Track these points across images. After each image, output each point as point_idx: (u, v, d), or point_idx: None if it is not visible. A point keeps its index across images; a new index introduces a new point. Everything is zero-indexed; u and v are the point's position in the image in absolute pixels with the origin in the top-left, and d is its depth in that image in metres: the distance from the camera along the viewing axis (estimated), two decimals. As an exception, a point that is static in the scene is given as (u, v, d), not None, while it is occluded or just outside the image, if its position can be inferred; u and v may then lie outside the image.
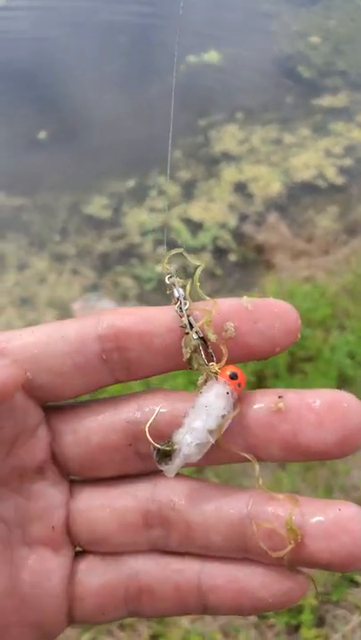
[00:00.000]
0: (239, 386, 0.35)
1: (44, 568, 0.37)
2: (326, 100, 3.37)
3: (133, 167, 2.98)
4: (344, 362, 1.86)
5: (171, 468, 0.35)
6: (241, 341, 0.35)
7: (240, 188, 2.91)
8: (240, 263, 2.61)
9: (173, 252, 0.39)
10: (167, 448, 0.35)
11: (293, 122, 3.25)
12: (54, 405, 0.38)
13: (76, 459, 0.37)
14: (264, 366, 1.79)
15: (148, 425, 0.36)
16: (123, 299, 2.47)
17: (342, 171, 2.98)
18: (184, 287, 0.37)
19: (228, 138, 3.14)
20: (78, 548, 0.39)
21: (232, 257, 2.62)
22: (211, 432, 0.34)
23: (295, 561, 0.34)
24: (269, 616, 1.25)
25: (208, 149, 3.08)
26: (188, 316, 0.35)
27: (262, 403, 0.35)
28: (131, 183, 2.92)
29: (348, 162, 3.02)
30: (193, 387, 0.37)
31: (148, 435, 0.35)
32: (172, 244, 2.67)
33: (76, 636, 1.23)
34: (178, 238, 2.64)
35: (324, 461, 1.40)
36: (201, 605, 0.36)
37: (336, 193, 2.90)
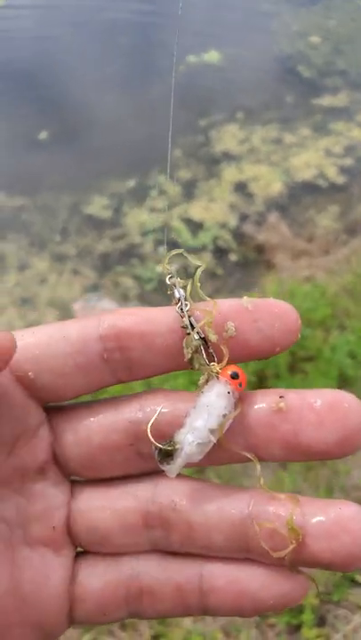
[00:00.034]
0: (240, 385, 0.35)
1: (45, 568, 0.37)
2: (326, 100, 3.37)
3: (134, 167, 2.98)
4: (345, 362, 1.86)
5: (172, 467, 0.35)
6: (242, 341, 0.35)
7: (240, 187, 2.90)
8: (240, 263, 2.61)
9: (174, 252, 0.39)
10: (169, 448, 0.35)
11: (294, 121, 3.25)
12: (56, 406, 0.38)
13: (77, 459, 0.37)
14: (265, 366, 1.79)
15: (149, 425, 0.36)
16: (123, 299, 2.47)
17: (343, 170, 2.98)
18: (185, 288, 0.37)
19: (228, 137, 3.14)
20: (79, 549, 0.39)
21: (232, 257, 2.62)
22: (212, 431, 0.35)
23: (296, 561, 0.34)
24: (270, 615, 1.25)
25: (208, 149, 3.08)
26: (189, 316, 0.36)
27: (263, 403, 0.35)
28: (131, 183, 2.92)
29: (348, 161, 3.02)
30: (194, 386, 0.37)
31: (149, 434, 0.35)
32: (172, 244, 2.67)
33: (78, 637, 1.23)
34: (178, 238, 2.64)
35: (325, 461, 1.40)
36: (202, 606, 0.36)
37: (337, 192, 2.90)
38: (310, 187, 2.92)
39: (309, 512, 0.34)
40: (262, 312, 0.34)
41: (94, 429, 0.37)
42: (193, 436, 0.35)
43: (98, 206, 2.83)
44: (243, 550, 0.35)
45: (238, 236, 2.70)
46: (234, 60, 3.62)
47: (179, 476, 0.36)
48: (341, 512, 0.33)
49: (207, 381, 0.36)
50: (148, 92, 3.38)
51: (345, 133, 3.17)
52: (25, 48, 3.75)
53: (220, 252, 2.63)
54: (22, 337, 0.36)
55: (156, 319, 0.36)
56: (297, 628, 1.26)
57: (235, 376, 0.35)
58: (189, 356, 0.36)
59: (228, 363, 0.36)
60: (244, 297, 0.35)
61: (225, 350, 0.35)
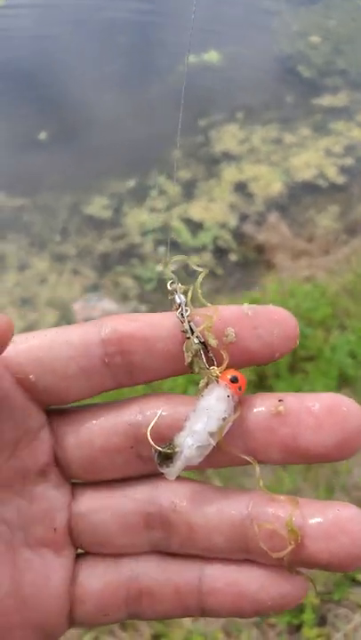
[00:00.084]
0: (240, 389, 0.36)
1: (45, 570, 0.37)
2: (326, 100, 3.37)
3: (134, 167, 2.98)
4: (345, 361, 1.86)
5: (172, 470, 0.36)
6: (241, 347, 0.35)
7: (240, 187, 2.91)
8: (241, 263, 2.61)
9: (176, 258, 0.40)
10: (168, 451, 0.35)
11: (294, 121, 3.25)
12: (56, 409, 0.39)
13: (78, 461, 0.38)
14: (265, 366, 1.79)
15: (149, 428, 0.36)
16: (123, 299, 2.47)
17: (343, 170, 2.98)
18: (186, 292, 0.37)
19: (228, 138, 3.14)
20: (80, 550, 0.39)
21: (233, 257, 2.62)
22: (212, 434, 0.35)
23: (295, 561, 0.34)
24: (271, 615, 1.25)
25: (208, 149, 3.08)
26: (189, 321, 0.36)
27: (262, 406, 0.35)
28: (131, 183, 2.92)
29: (348, 161, 3.02)
30: (193, 386, 0.37)
31: (149, 437, 0.36)
32: (172, 245, 2.67)
33: (78, 636, 1.23)
34: (178, 238, 2.64)
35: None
36: (201, 608, 0.36)
37: (337, 192, 2.90)
38: (310, 187, 2.92)
39: (308, 513, 0.34)
40: (262, 319, 0.35)
41: (95, 432, 0.37)
42: (193, 440, 0.35)
43: (98, 206, 2.83)
44: (242, 551, 0.35)
45: (238, 235, 2.70)
46: (234, 60, 3.62)
47: (178, 478, 0.37)
48: (340, 513, 0.33)
49: (207, 385, 0.36)
50: (147, 92, 3.38)
51: (345, 133, 3.17)
52: (24, 47, 3.76)
53: (220, 252, 2.63)
54: (24, 340, 0.36)
55: (157, 324, 0.36)
56: (298, 628, 1.26)
57: (234, 380, 0.36)
58: (190, 359, 0.36)
59: (228, 367, 0.36)
60: (245, 304, 0.36)
61: (225, 354, 0.36)
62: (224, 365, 0.36)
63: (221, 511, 0.36)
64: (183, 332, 0.36)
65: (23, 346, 0.36)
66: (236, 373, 0.36)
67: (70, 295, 2.49)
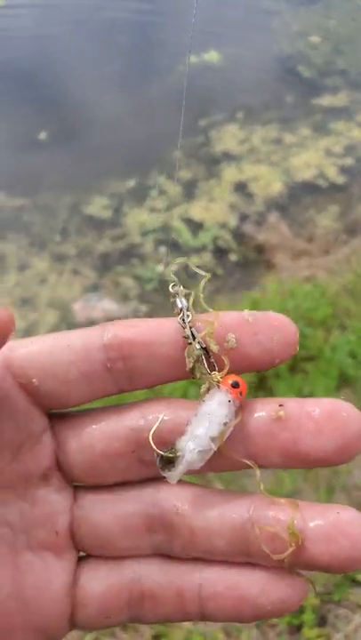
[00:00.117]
0: (241, 394, 0.36)
1: (47, 573, 0.37)
2: (326, 100, 3.37)
3: (134, 167, 2.98)
4: (345, 361, 1.86)
5: (173, 474, 0.36)
6: (242, 353, 0.36)
7: (241, 187, 2.90)
8: (241, 263, 2.61)
9: (179, 261, 0.40)
10: (170, 455, 0.36)
11: (294, 121, 3.25)
12: (58, 413, 0.39)
13: (80, 465, 0.38)
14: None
15: (151, 432, 0.36)
16: (123, 299, 2.47)
17: (343, 170, 2.98)
18: (188, 296, 0.38)
19: (228, 138, 3.14)
20: (82, 554, 0.39)
21: (233, 257, 2.62)
22: (213, 439, 0.35)
23: (296, 563, 0.34)
24: (270, 619, 1.25)
25: (209, 149, 3.08)
26: (190, 327, 0.36)
27: (263, 411, 0.36)
28: (131, 183, 2.92)
29: (348, 161, 3.02)
30: (194, 388, 0.38)
31: (151, 442, 0.36)
32: (173, 245, 2.67)
33: (79, 637, 1.23)
34: (179, 238, 2.64)
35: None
36: (201, 612, 0.37)
37: (337, 192, 2.90)
38: (310, 187, 2.92)
39: (308, 516, 0.34)
40: (262, 325, 0.35)
41: (97, 436, 0.37)
42: (194, 444, 0.35)
43: (98, 206, 2.83)
44: (243, 554, 0.36)
45: (238, 235, 2.70)
46: (234, 60, 3.62)
47: (180, 481, 0.37)
48: (340, 516, 0.34)
49: (208, 390, 0.37)
50: (147, 92, 3.38)
51: (345, 133, 3.17)
52: (24, 47, 3.76)
53: (220, 252, 2.63)
54: (27, 344, 0.37)
55: (159, 329, 0.37)
56: (298, 628, 1.26)
57: (235, 385, 0.36)
58: (191, 365, 0.36)
59: (229, 373, 0.37)
60: (245, 310, 0.36)
61: (226, 360, 0.36)
62: (225, 371, 0.36)
63: (223, 514, 0.36)
64: (185, 337, 0.36)
65: (26, 350, 0.36)
66: (237, 378, 0.36)
67: (70, 295, 2.49)
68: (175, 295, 0.38)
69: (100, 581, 0.38)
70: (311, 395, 1.78)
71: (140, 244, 2.67)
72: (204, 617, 0.37)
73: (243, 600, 0.35)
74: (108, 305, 2.43)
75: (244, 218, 2.77)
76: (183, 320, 0.37)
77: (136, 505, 0.37)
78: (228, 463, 0.37)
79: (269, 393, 1.75)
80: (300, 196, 2.88)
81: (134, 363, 0.36)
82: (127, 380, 0.37)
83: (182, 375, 0.37)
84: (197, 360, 0.36)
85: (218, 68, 3.57)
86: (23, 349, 0.36)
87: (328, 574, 1.25)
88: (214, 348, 0.36)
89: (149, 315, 2.40)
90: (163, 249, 2.62)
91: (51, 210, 2.82)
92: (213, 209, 2.79)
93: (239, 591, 0.35)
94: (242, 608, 0.35)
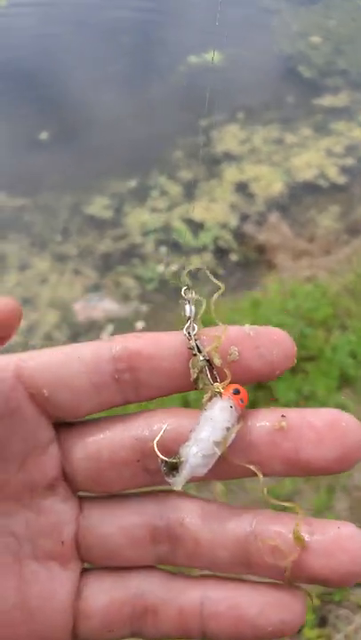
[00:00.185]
0: (242, 401, 0.37)
1: (52, 583, 0.38)
2: (327, 100, 3.37)
3: (135, 167, 2.98)
4: (346, 361, 1.86)
5: (178, 480, 0.37)
6: (244, 365, 0.37)
7: (241, 187, 2.90)
8: (241, 263, 2.61)
9: (194, 268, 0.42)
10: (174, 461, 0.36)
11: (294, 122, 3.24)
12: (64, 422, 0.39)
13: (85, 475, 0.38)
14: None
15: (155, 440, 0.37)
16: (124, 299, 2.47)
17: (344, 170, 2.98)
18: (198, 302, 0.39)
19: (229, 138, 3.14)
20: (86, 565, 0.40)
21: (233, 257, 2.62)
22: (216, 444, 0.36)
23: (296, 577, 0.35)
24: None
25: (209, 149, 3.08)
26: (195, 339, 0.38)
27: (265, 421, 0.37)
28: (132, 183, 2.92)
29: (349, 161, 3.02)
30: (194, 392, 0.39)
31: (156, 449, 0.37)
32: (173, 245, 2.67)
33: None
34: (179, 238, 2.64)
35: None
36: (202, 630, 0.37)
37: (338, 192, 2.90)
38: (311, 187, 2.92)
39: (309, 531, 0.35)
40: (263, 339, 0.37)
41: (102, 446, 0.38)
42: (197, 448, 0.36)
43: (99, 206, 2.83)
44: (245, 566, 0.37)
45: (239, 236, 2.70)
46: (234, 60, 3.61)
47: (185, 494, 0.38)
48: (340, 532, 0.35)
49: (210, 399, 0.38)
50: (148, 92, 3.38)
51: (346, 133, 3.17)
52: (25, 47, 3.76)
53: (220, 253, 2.63)
54: (38, 355, 0.37)
55: (165, 343, 0.38)
56: (298, 629, 1.26)
57: (236, 392, 0.37)
58: (195, 375, 0.38)
59: (230, 384, 0.38)
60: (246, 325, 0.38)
61: (228, 372, 0.37)
62: (226, 381, 0.37)
63: (227, 527, 0.37)
64: (190, 348, 0.38)
65: (37, 361, 0.37)
66: (237, 386, 0.37)
67: (71, 295, 2.49)
68: (187, 302, 0.39)
69: (103, 594, 0.38)
70: (312, 395, 1.78)
71: (141, 244, 2.67)
72: (205, 635, 0.37)
73: (243, 620, 0.36)
74: (108, 305, 2.44)
75: (244, 218, 2.77)
76: (189, 333, 0.38)
77: (142, 516, 0.38)
78: (231, 470, 0.37)
79: (269, 393, 1.76)
80: (301, 196, 2.88)
81: (141, 374, 0.37)
82: (134, 391, 0.38)
83: (186, 387, 0.38)
84: (201, 371, 0.38)
85: (219, 69, 3.57)
86: (34, 360, 0.37)
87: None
88: (217, 361, 0.37)
89: (150, 314, 2.40)
90: (163, 249, 2.62)
91: (52, 210, 2.83)
92: (214, 209, 2.79)
93: (239, 611, 0.36)
94: (242, 628, 0.36)
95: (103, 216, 2.79)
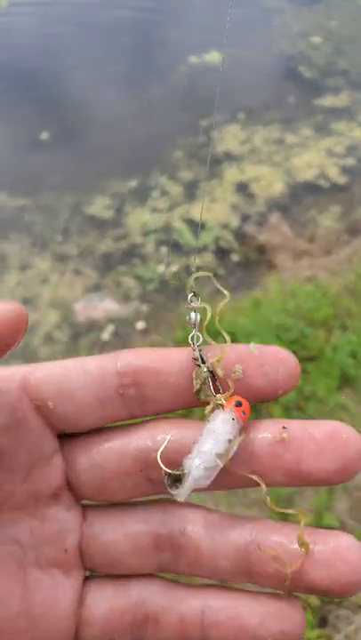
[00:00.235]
0: (244, 414, 0.37)
1: (55, 591, 0.38)
2: (328, 100, 3.37)
3: (135, 167, 2.98)
4: (346, 362, 1.86)
5: (181, 491, 0.37)
6: (248, 383, 0.37)
7: (242, 188, 2.90)
8: (242, 263, 2.61)
9: (201, 274, 0.42)
10: (177, 472, 0.37)
11: (295, 122, 3.24)
12: (69, 432, 0.40)
13: (89, 484, 0.39)
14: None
15: (159, 452, 0.37)
16: (125, 299, 2.47)
17: (344, 170, 2.98)
18: (203, 310, 0.40)
19: (229, 138, 3.14)
20: (88, 573, 0.40)
21: (234, 257, 2.62)
22: (219, 456, 0.37)
23: (296, 587, 0.36)
24: None
25: (210, 149, 3.08)
26: (200, 350, 0.38)
27: (267, 432, 0.37)
28: (133, 183, 2.92)
29: (350, 161, 3.02)
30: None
31: (159, 461, 0.37)
32: (174, 245, 2.67)
33: None
34: (180, 239, 2.64)
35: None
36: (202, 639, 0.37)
37: (338, 193, 2.90)
38: (312, 187, 2.92)
39: (309, 541, 0.36)
40: (268, 358, 0.37)
41: (106, 456, 0.38)
42: (200, 460, 0.37)
43: (99, 206, 2.83)
44: (246, 575, 0.37)
45: (240, 236, 2.70)
46: (235, 60, 3.61)
47: (188, 503, 0.38)
48: (339, 542, 0.35)
49: (213, 411, 0.38)
50: (149, 92, 3.38)
51: (346, 133, 3.17)
52: (25, 47, 3.76)
53: (221, 253, 2.63)
54: (44, 367, 0.38)
55: (170, 359, 0.38)
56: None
57: (238, 404, 0.37)
58: (198, 386, 0.38)
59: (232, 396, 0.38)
60: (251, 343, 0.38)
61: (231, 384, 0.37)
62: (229, 393, 0.38)
63: (228, 536, 0.37)
64: (194, 359, 0.38)
65: (43, 373, 0.37)
66: (239, 399, 0.38)
67: (72, 295, 2.49)
68: (193, 310, 0.40)
69: (105, 602, 0.38)
70: (312, 395, 1.78)
71: (141, 244, 2.67)
72: None
73: (243, 630, 0.36)
74: (109, 305, 2.44)
75: (245, 218, 2.77)
76: (193, 342, 0.38)
77: (145, 524, 0.38)
78: (234, 481, 0.38)
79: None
80: (302, 196, 2.88)
81: (146, 390, 0.37)
82: (138, 406, 0.38)
83: (191, 403, 0.38)
84: (204, 382, 0.38)
85: (219, 69, 3.57)
86: (40, 372, 0.37)
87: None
88: (220, 372, 0.38)
89: (150, 314, 2.40)
90: (164, 249, 2.62)
91: (52, 210, 2.83)
92: (215, 209, 2.79)
93: (240, 621, 0.36)
94: (243, 638, 0.36)
95: (104, 216, 2.79)
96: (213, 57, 3.61)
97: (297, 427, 0.37)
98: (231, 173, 2.96)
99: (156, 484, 0.38)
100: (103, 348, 2.28)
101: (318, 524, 1.46)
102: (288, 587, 0.35)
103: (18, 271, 2.58)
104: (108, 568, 0.39)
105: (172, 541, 0.38)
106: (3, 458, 0.37)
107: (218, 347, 0.38)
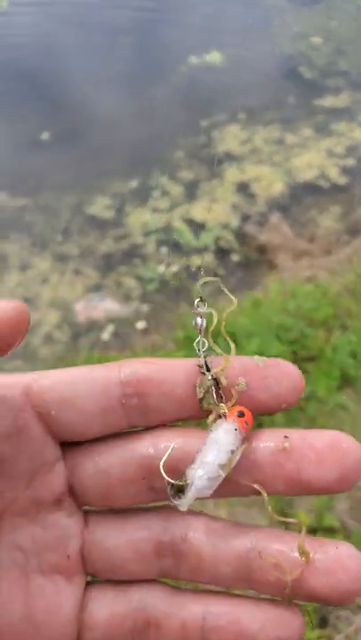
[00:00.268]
0: (246, 424, 0.38)
1: (57, 596, 0.38)
2: (328, 101, 3.37)
3: (136, 167, 2.98)
4: (346, 362, 1.86)
5: (183, 501, 0.37)
6: (251, 395, 0.37)
7: (242, 188, 2.90)
8: (242, 263, 2.61)
9: (209, 279, 0.42)
10: (180, 483, 0.37)
11: (295, 122, 3.24)
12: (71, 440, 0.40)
13: (91, 491, 0.39)
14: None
15: (162, 461, 0.38)
16: (125, 299, 2.47)
17: (345, 171, 2.98)
18: (209, 316, 0.40)
19: (230, 138, 3.14)
20: (89, 578, 0.40)
21: (234, 257, 2.62)
22: (221, 466, 0.37)
23: (296, 595, 0.36)
24: None
25: (210, 150, 3.08)
26: (205, 357, 0.38)
27: (269, 442, 0.37)
28: (133, 183, 2.93)
29: (350, 162, 3.02)
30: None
31: (162, 471, 0.37)
32: (174, 245, 2.67)
33: None
34: (180, 239, 2.64)
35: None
36: None
37: (338, 193, 2.90)
38: (312, 187, 2.92)
39: (310, 550, 0.36)
40: (272, 370, 0.37)
41: (109, 463, 0.39)
42: (203, 471, 0.37)
43: (100, 206, 2.83)
44: (246, 581, 0.37)
45: (240, 236, 2.70)
46: (235, 60, 3.61)
47: (189, 510, 0.38)
48: (338, 550, 0.36)
49: (215, 420, 0.38)
50: (149, 92, 3.38)
51: (347, 134, 3.17)
52: (26, 47, 3.76)
53: (222, 253, 2.63)
54: (47, 375, 0.38)
55: (175, 369, 0.38)
56: None
57: (241, 414, 0.38)
58: (201, 395, 0.38)
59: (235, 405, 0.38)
60: (255, 355, 0.38)
61: (234, 393, 0.38)
62: (231, 402, 0.38)
63: (230, 543, 0.37)
64: (199, 366, 0.38)
65: (46, 381, 0.37)
66: (242, 409, 0.38)
67: (72, 295, 2.49)
68: (199, 316, 0.40)
69: (106, 607, 0.39)
70: (313, 395, 1.78)
71: (142, 244, 2.68)
72: None
73: (243, 636, 0.36)
74: (110, 305, 2.44)
75: (245, 218, 2.77)
76: (199, 349, 0.39)
77: (147, 530, 0.39)
78: (236, 490, 0.38)
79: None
80: (302, 196, 2.88)
81: (149, 400, 0.37)
82: (140, 416, 0.38)
83: (194, 414, 0.39)
84: (207, 391, 0.38)
85: (220, 69, 3.57)
86: (44, 380, 0.37)
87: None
88: (224, 381, 0.38)
89: (150, 315, 2.40)
90: (164, 249, 2.63)
91: (53, 210, 2.83)
92: (215, 209, 2.79)
93: (240, 627, 0.37)
94: None
95: (104, 216, 2.80)
96: (214, 57, 3.61)
97: (298, 436, 0.37)
98: (231, 173, 2.96)
99: (159, 492, 0.38)
100: (103, 348, 2.28)
101: (319, 524, 1.47)
102: (288, 594, 0.36)
103: (18, 271, 2.58)
104: (109, 574, 0.39)
105: (173, 548, 0.38)
106: (5, 465, 0.37)
107: (223, 357, 0.38)
